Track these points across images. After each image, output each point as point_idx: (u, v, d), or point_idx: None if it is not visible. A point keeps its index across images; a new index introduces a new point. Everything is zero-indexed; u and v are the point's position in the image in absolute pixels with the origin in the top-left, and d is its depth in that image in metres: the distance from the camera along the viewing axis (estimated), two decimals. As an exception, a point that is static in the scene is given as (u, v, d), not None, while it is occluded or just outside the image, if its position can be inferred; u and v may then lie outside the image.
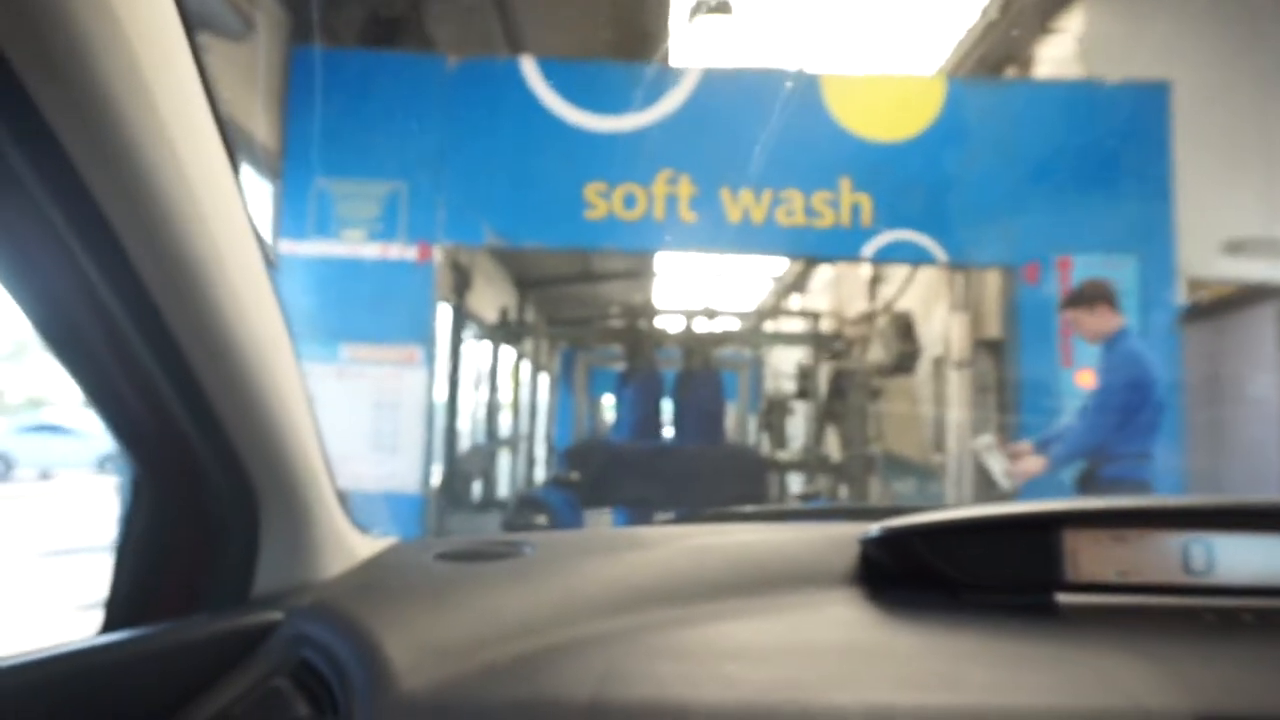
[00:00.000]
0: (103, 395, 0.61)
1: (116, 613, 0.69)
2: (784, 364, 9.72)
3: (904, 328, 6.14)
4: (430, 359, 3.86)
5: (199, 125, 0.53)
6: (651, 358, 6.63)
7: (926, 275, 6.42)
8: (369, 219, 3.84)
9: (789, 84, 4.13)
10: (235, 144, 0.56)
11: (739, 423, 10.71)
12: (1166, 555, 0.72)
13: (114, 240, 0.50)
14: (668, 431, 6.68)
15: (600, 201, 3.97)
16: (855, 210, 4.02)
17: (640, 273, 9.26)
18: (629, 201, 3.98)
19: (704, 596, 0.73)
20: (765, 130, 3.92)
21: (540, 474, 8.24)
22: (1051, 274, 3.98)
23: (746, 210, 3.99)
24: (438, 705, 0.57)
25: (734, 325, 10.32)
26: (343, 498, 0.79)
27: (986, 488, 3.35)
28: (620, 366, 7.43)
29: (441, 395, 5.88)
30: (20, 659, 0.56)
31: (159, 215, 0.51)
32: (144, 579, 0.70)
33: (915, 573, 0.76)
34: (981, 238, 4.03)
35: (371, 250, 3.85)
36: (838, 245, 4.06)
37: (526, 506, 4.56)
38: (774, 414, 8.55)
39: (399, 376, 3.81)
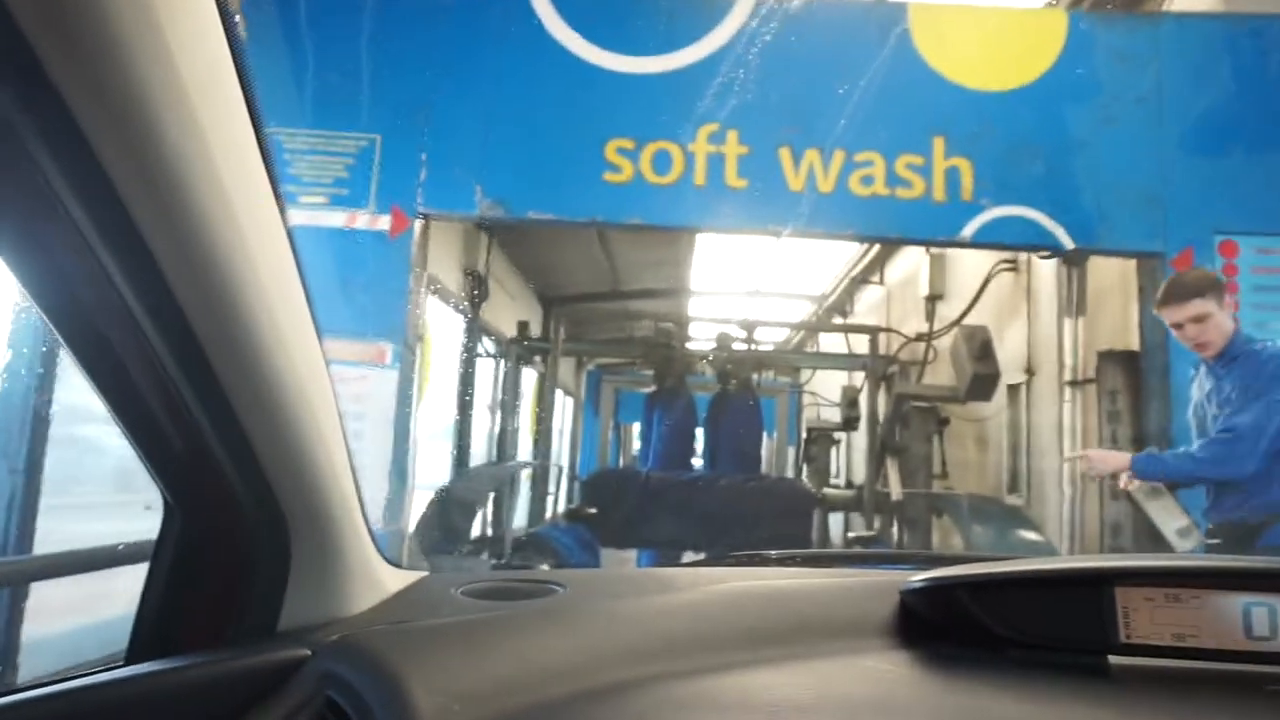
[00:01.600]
0: (136, 421, 0.61)
1: (143, 641, 0.69)
2: (826, 390, 9.03)
3: (981, 346, 5.34)
4: (403, 358, 3.08)
5: (244, 152, 0.53)
6: (682, 379, 6.13)
7: (999, 286, 5.64)
8: (332, 180, 3.18)
9: (867, 16, 3.36)
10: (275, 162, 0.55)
11: (777, 454, 10.07)
12: (1226, 618, 0.66)
13: (152, 264, 0.51)
14: (698, 461, 6.20)
15: (625, 162, 3.23)
16: (952, 178, 3.20)
17: (673, 290, 8.68)
18: (661, 162, 3.23)
19: (738, 644, 0.72)
20: (836, 76, 3.18)
21: (555, 507, 7.58)
22: (1211, 263, 3.11)
23: (811, 176, 3.21)
24: None
25: (774, 343, 9.79)
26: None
27: (1149, 542, 2.45)
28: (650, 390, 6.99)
29: (446, 417, 5.28)
30: (47, 690, 0.57)
31: (197, 237, 0.51)
32: (171, 608, 0.70)
33: (958, 626, 0.74)
34: (1116, 216, 3.19)
35: (334, 219, 3.18)
36: (930, 223, 3.23)
37: (529, 550, 3.78)
38: (817, 445, 7.84)
39: (364, 379, 3.05)
